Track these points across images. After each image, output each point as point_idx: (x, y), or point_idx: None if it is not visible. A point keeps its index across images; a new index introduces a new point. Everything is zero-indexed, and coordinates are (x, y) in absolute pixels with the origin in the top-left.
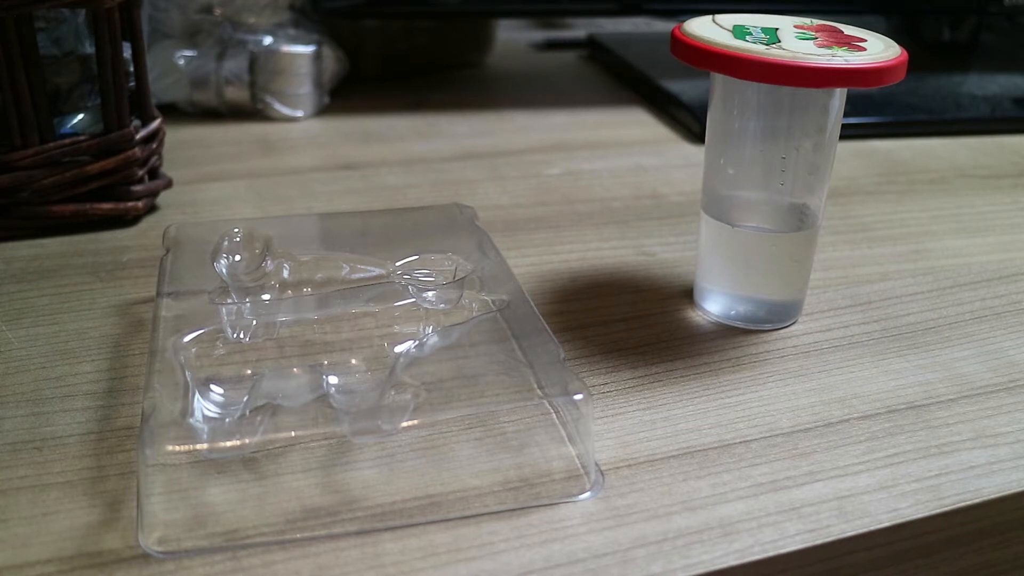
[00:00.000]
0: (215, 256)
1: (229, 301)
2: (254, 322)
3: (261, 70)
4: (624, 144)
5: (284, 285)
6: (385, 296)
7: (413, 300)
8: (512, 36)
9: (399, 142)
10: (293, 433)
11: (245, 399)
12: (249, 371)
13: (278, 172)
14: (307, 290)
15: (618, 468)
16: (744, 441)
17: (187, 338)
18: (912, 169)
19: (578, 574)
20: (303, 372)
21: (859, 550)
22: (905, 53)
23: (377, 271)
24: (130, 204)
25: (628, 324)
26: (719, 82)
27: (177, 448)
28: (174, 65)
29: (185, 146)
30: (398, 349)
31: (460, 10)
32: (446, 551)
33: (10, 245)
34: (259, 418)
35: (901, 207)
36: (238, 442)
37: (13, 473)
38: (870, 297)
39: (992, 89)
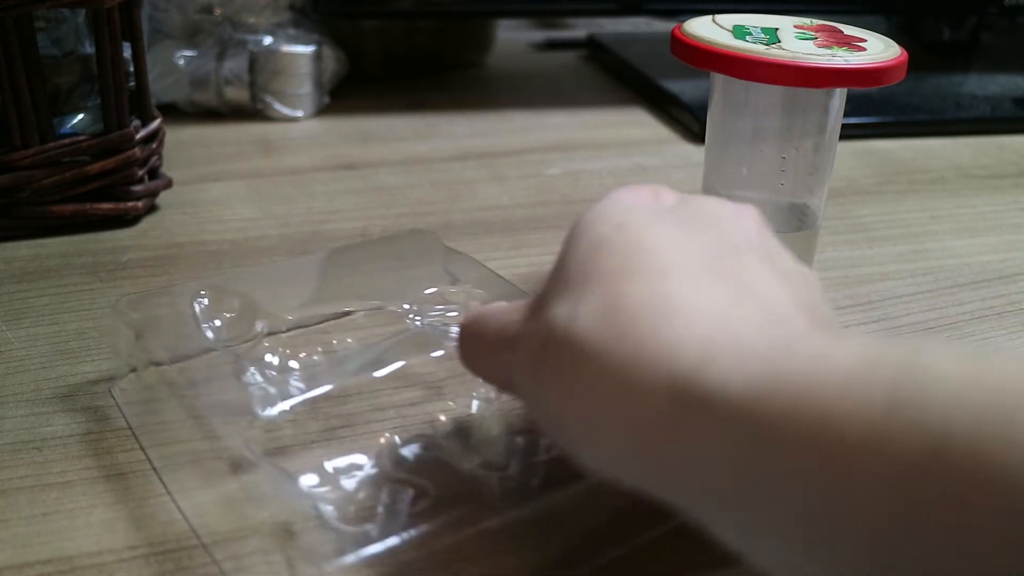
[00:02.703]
0: (197, 325)
1: (251, 372)
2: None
3: (261, 70)
4: (624, 144)
5: (289, 345)
6: (415, 345)
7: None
8: (512, 36)
9: (399, 142)
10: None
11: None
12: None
13: (278, 172)
14: (320, 349)
15: None
16: None
17: (255, 423)
18: (912, 169)
19: (579, 574)
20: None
21: None
22: (905, 53)
23: (389, 310)
24: (130, 204)
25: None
26: (719, 82)
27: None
28: (174, 65)
29: (185, 146)
30: (476, 397)
31: (460, 10)
32: None
33: (10, 245)
34: (404, 507)
35: (901, 207)
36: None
37: (13, 473)
38: (870, 297)
39: (992, 89)
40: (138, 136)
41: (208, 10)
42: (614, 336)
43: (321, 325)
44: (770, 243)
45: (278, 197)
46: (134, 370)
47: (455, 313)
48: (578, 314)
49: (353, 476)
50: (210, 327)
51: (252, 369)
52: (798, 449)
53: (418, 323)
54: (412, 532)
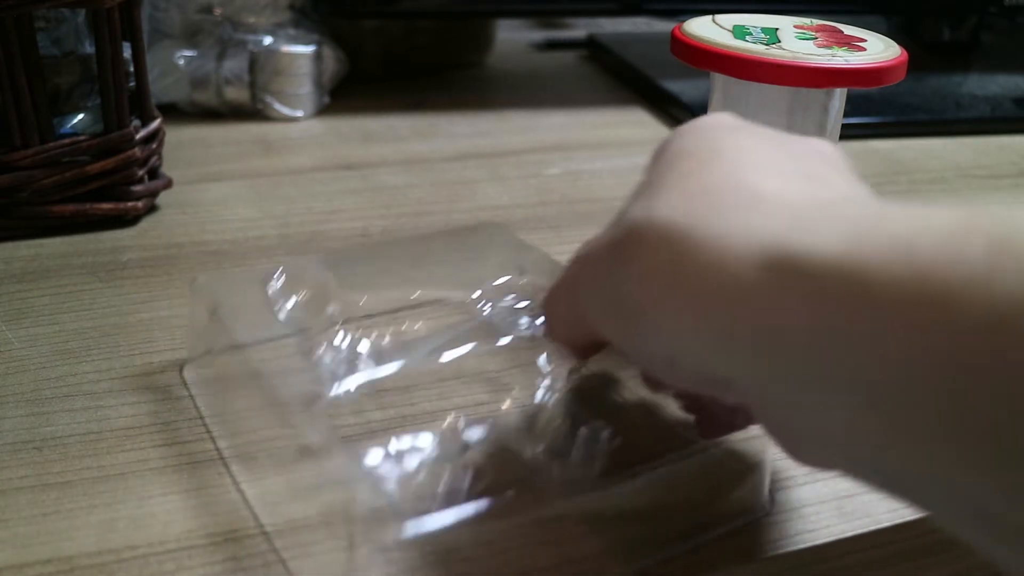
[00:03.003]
0: (270, 306)
1: (320, 352)
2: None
3: (261, 70)
4: (624, 144)
5: (359, 328)
6: (483, 333)
7: (513, 335)
8: (512, 36)
9: (399, 142)
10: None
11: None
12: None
13: (278, 172)
14: (389, 334)
15: None
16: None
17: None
18: (912, 169)
19: (578, 573)
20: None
21: (859, 550)
22: (905, 53)
23: (458, 300)
24: (130, 204)
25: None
26: (719, 82)
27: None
28: (174, 65)
29: (185, 146)
30: (543, 386)
31: (460, 10)
32: None
33: (10, 245)
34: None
35: None
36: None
37: (13, 473)
38: None
39: (992, 89)
40: (138, 136)
41: (208, 10)
42: (698, 214)
43: (391, 313)
44: (850, 169)
45: (278, 197)
46: (208, 352)
47: (524, 303)
48: (657, 204)
49: (415, 457)
50: (283, 308)
51: (321, 350)
52: (895, 304)
53: (487, 311)
54: (470, 514)
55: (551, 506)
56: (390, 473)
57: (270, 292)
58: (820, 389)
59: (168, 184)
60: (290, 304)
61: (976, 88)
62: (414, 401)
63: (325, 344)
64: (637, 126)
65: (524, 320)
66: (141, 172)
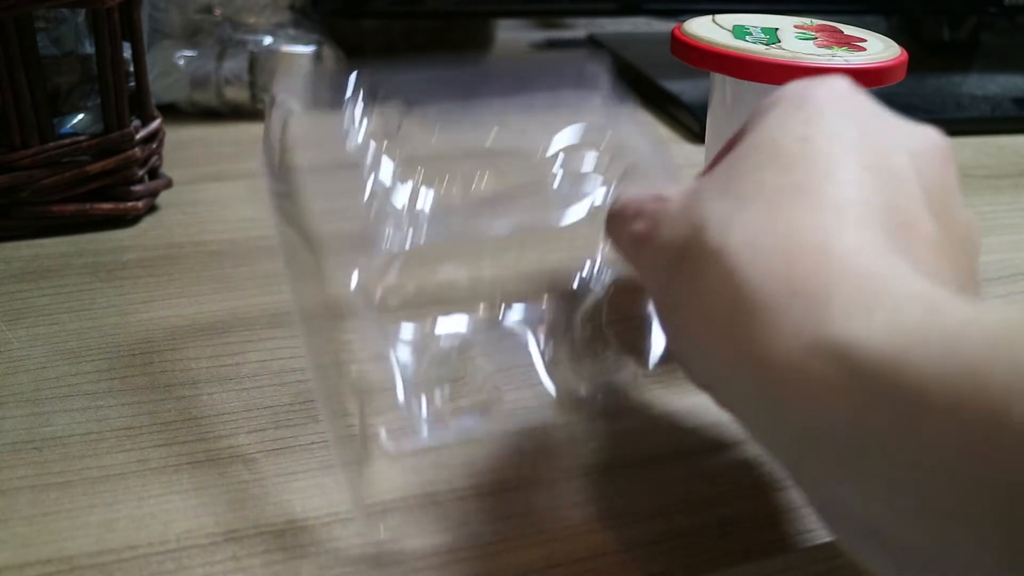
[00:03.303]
0: (345, 130)
1: (380, 203)
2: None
3: (261, 70)
4: None
5: (427, 169)
6: (549, 206)
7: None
8: (512, 36)
9: None
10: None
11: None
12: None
13: None
14: (457, 188)
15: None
16: (744, 441)
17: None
18: None
19: (578, 573)
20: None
21: None
22: (905, 53)
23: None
24: (130, 204)
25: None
26: (719, 82)
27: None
28: (174, 65)
29: (185, 146)
30: (588, 287)
31: (460, 10)
32: None
33: (10, 245)
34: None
35: None
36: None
37: (13, 473)
38: None
39: (992, 89)
40: (138, 136)
41: (208, 10)
42: (767, 267)
43: (462, 165)
44: (949, 195)
45: None
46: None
47: (598, 159)
48: (734, 225)
49: (445, 341)
50: (352, 134)
51: (379, 199)
52: (939, 408)
53: (558, 174)
54: (466, 430)
55: (550, 433)
56: (415, 353)
57: (345, 116)
58: (849, 477)
59: (168, 184)
60: (362, 132)
61: (976, 88)
62: (459, 272)
63: (384, 191)
64: None
65: (593, 189)
66: (141, 172)
